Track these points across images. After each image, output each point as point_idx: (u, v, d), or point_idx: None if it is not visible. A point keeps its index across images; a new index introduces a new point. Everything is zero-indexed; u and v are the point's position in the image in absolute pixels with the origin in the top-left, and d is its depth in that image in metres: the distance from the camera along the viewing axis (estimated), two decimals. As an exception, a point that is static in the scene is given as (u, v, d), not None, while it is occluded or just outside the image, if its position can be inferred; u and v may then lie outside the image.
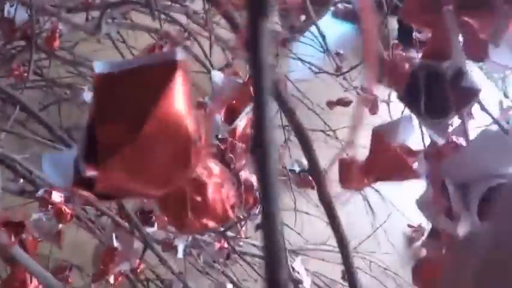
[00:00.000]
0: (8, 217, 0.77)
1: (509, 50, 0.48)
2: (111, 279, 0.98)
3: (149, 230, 0.95)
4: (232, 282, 1.26)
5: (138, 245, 0.95)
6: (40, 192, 0.93)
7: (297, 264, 0.99)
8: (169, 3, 1.37)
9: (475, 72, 0.49)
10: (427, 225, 0.59)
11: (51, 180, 0.32)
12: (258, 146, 0.22)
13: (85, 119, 0.31)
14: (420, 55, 0.51)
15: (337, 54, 1.70)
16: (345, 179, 0.52)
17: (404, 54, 0.56)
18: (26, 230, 0.77)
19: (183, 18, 1.37)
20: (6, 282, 0.79)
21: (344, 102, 1.81)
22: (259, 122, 0.21)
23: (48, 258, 1.23)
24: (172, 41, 1.29)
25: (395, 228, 2.04)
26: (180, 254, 1.04)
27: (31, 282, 0.78)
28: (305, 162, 0.66)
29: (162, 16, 1.21)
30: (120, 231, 0.95)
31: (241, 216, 0.88)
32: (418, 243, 2.12)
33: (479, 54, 0.47)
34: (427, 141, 0.53)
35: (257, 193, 0.75)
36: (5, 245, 0.73)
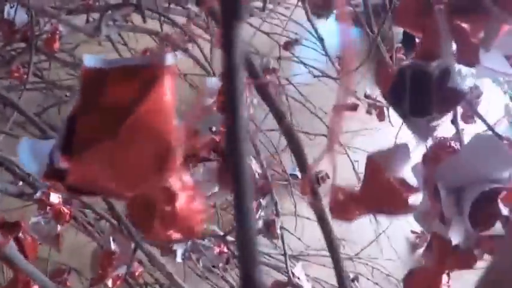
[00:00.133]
0: (3, 218, 0.77)
1: (500, 55, 0.47)
2: (110, 283, 0.97)
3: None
4: (231, 287, 1.25)
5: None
6: (38, 194, 0.92)
7: (298, 270, 0.98)
8: (170, 5, 1.36)
9: (469, 75, 0.48)
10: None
11: (24, 165, 0.31)
12: (230, 154, 0.22)
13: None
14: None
15: (339, 58, 1.69)
16: (336, 210, 0.50)
17: (405, 57, 0.55)
18: (22, 230, 0.77)
19: (184, 21, 1.37)
20: (9, 287, 0.78)
21: (351, 107, 1.80)
22: (230, 129, 0.21)
23: (47, 262, 1.23)
24: (173, 43, 1.29)
25: (399, 234, 2.03)
26: (178, 258, 1.03)
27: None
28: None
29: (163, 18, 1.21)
30: (118, 235, 0.95)
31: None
32: (421, 249, 2.10)
33: (470, 58, 0.47)
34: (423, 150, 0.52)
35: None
36: (-1, 244, 0.72)
